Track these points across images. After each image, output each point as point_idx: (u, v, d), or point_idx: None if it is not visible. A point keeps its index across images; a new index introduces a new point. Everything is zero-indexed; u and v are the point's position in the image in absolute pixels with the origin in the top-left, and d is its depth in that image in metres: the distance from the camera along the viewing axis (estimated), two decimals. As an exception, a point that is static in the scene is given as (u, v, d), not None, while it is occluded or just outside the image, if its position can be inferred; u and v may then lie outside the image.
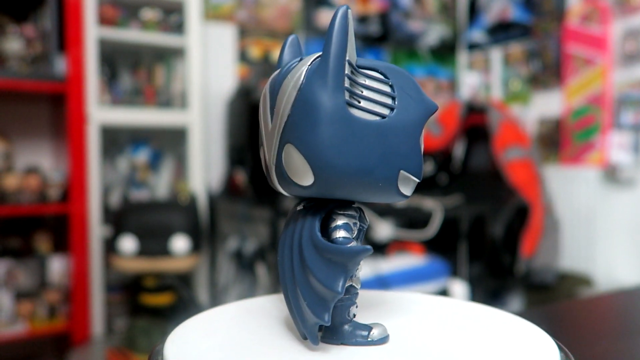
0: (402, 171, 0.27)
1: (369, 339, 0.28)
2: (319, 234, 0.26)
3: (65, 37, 1.59)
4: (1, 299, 1.59)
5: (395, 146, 0.26)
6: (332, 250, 0.26)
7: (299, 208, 0.29)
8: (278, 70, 0.29)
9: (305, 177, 0.26)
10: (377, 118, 0.26)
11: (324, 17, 2.25)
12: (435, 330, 0.31)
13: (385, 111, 0.26)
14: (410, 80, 0.28)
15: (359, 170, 0.26)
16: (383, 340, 0.29)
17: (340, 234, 0.27)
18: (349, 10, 0.26)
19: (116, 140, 1.89)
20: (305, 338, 0.28)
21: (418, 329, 0.31)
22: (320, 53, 0.26)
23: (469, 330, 0.31)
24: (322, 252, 0.26)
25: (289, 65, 0.28)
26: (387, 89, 0.27)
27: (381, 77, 0.27)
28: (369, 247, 0.26)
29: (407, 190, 0.27)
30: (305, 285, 0.27)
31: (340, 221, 0.27)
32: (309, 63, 0.26)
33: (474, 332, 0.31)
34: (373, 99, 0.26)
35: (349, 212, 0.28)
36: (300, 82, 0.26)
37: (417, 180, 0.28)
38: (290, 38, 0.30)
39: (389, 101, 0.27)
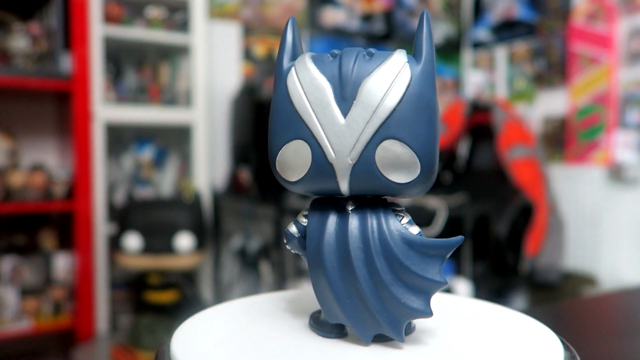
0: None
1: (411, 327, 0.29)
2: (409, 232, 0.27)
3: (71, 35, 1.60)
4: (7, 295, 1.60)
5: None
6: (433, 244, 0.26)
7: (351, 208, 0.28)
8: (322, 56, 0.27)
9: (409, 174, 0.26)
10: None
11: (328, 15, 2.24)
12: (442, 326, 0.31)
13: None
14: None
15: (436, 166, 0.27)
16: (414, 328, 0.30)
17: (415, 229, 0.27)
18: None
19: (121, 138, 1.90)
20: (367, 342, 0.27)
21: (425, 325, 0.31)
22: (403, 50, 0.27)
23: (476, 326, 0.31)
24: (420, 248, 0.26)
25: (361, 53, 0.27)
26: None
27: None
28: (462, 237, 0.26)
29: None
30: (399, 284, 0.26)
31: (406, 218, 0.28)
32: (405, 59, 0.26)
33: (481, 329, 0.31)
34: None
35: (403, 208, 0.29)
36: (409, 77, 0.26)
37: None
38: (292, 19, 0.29)
39: None
